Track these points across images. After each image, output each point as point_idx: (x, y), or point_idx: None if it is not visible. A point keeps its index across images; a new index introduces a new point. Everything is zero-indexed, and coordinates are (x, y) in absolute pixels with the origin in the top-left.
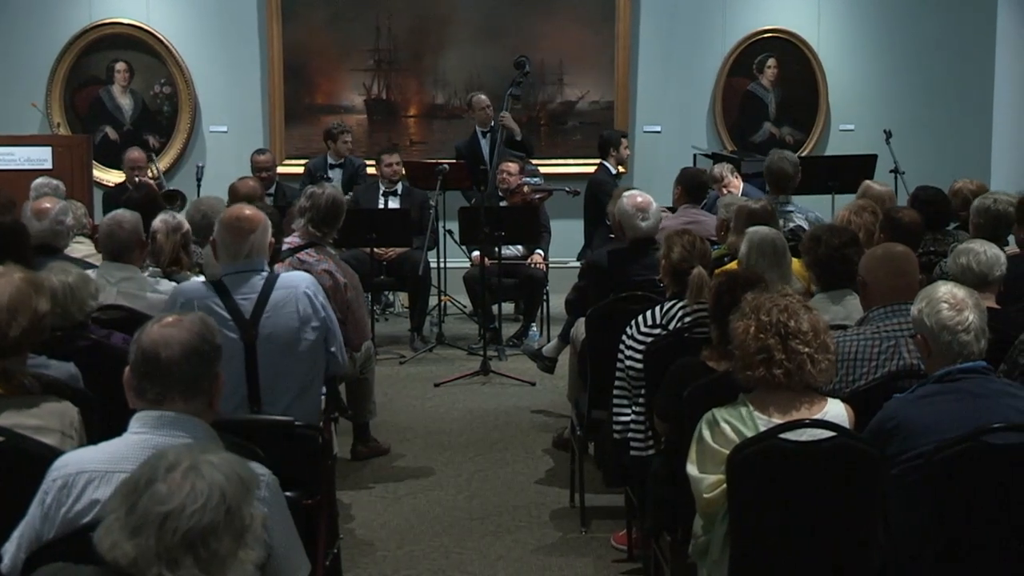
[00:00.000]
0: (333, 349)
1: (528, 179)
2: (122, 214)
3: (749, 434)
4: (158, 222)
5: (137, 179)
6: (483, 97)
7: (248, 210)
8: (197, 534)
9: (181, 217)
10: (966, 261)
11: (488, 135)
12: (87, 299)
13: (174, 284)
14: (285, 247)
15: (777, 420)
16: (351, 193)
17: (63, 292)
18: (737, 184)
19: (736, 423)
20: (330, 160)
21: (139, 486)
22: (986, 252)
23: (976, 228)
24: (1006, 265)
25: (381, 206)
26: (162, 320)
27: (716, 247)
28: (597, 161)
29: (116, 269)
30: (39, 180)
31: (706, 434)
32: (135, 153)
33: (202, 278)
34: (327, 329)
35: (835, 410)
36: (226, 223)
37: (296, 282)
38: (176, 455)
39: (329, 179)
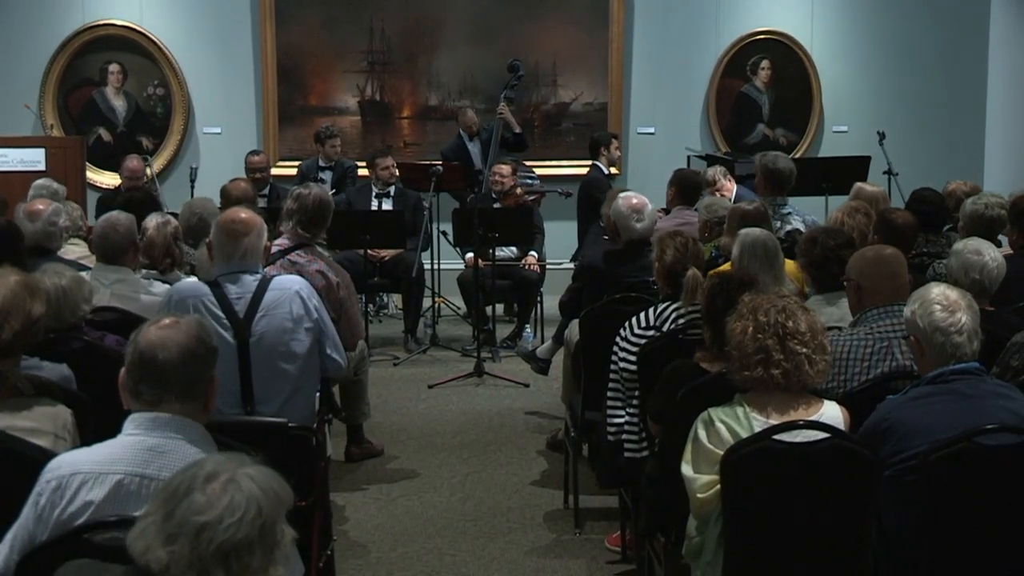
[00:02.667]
0: (329, 351)
1: (523, 179)
2: (117, 216)
3: (744, 434)
4: (149, 219)
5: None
6: (472, 115)
7: (244, 213)
8: (231, 547)
9: (169, 216)
10: (979, 277)
11: (476, 139)
12: (80, 302)
13: (167, 286)
14: (275, 249)
15: (772, 421)
16: (342, 194)
17: (56, 295)
18: (730, 187)
19: (731, 423)
20: (320, 163)
21: (178, 493)
22: (998, 267)
23: (968, 233)
24: None
25: (374, 208)
26: (159, 322)
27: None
28: (591, 162)
29: (110, 271)
30: (39, 182)
31: (701, 434)
32: (134, 163)
33: (194, 279)
34: (320, 331)
35: (830, 411)
36: (222, 225)
37: (289, 284)
38: (215, 465)
39: (323, 181)
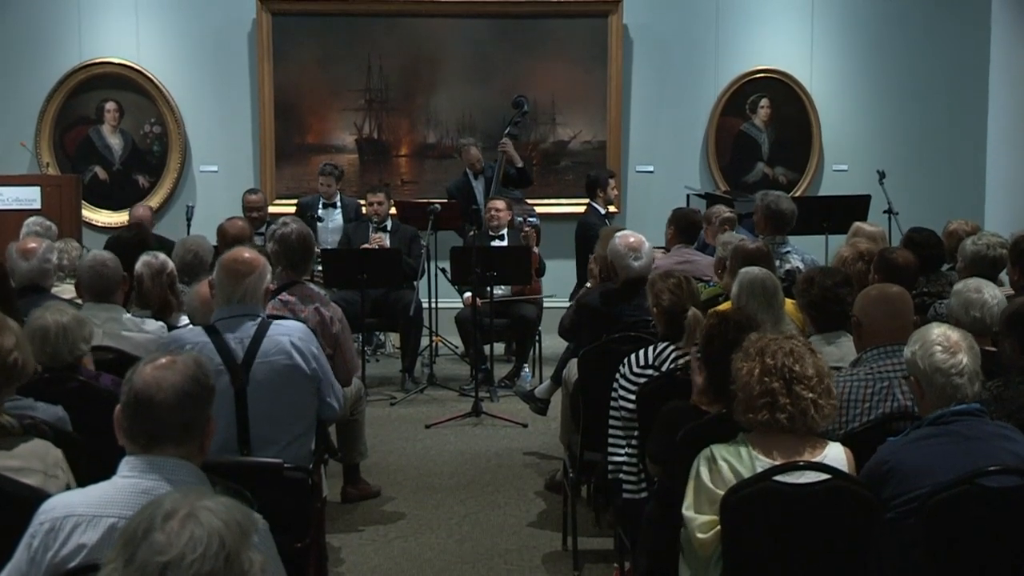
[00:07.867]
0: (327, 399)
1: (519, 217)
2: (103, 254)
3: (747, 474)
4: (141, 265)
5: None
6: (475, 152)
7: (247, 253)
8: None
9: (164, 257)
10: (980, 315)
11: (481, 176)
12: (79, 342)
13: (160, 323)
14: None
15: (776, 462)
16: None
17: (56, 332)
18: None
19: (734, 462)
20: (323, 200)
21: (137, 536)
22: (999, 305)
23: (968, 273)
24: None
25: (371, 242)
26: (155, 361)
27: (712, 284)
28: (587, 201)
29: (100, 310)
30: (31, 219)
31: (703, 472)
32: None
33: (186, 319)
34: (319, 379)
35: (834, 453)
36: (224, 265)
37: (288, 330)
38: (173, 502)
39: (320, 219)
